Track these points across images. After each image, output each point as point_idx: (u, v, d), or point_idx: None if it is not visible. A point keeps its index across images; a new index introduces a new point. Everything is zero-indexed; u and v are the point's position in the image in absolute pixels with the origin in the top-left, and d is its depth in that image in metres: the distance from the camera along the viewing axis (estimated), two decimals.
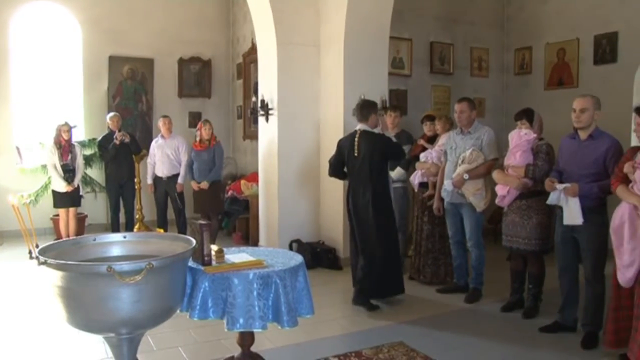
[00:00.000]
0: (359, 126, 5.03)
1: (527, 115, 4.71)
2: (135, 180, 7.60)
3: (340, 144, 5.17)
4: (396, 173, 6.03)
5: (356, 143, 4.96)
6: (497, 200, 4.74)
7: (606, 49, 7.04)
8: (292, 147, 6.57)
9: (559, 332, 4.33)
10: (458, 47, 8.08)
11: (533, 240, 4.57)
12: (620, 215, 3.61)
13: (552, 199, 4.11)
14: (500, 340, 4.24)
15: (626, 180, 3.63)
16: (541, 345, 4.15)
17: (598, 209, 4.03)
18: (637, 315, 3.48)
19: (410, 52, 7.62)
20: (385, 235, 4.95)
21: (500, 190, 4.66)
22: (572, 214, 3.98)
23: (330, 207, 6.56)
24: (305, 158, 6.67)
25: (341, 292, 5.48)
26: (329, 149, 6.45)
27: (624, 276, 3.57)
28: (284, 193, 6.55)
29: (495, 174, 4.72)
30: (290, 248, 6.37)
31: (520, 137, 4.61)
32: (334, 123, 6.44)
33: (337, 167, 5.22)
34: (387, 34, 6.50)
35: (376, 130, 5.03)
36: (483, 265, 5.18)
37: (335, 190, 6.39)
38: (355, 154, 4.96)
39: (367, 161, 4.88)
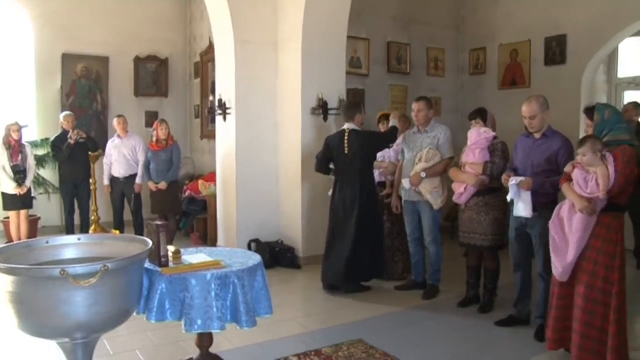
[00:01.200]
0: (346, 125, 5.32)
1: (480, 115, 4.84)
2: (91, 180, 7.43)
3: (329, 142, 5.40)
4: None
5: (346, 141, 5.22)
6: (454, 198, 4.82)
7: (556, 51, 7.25)
8: (250, 147, 6.54)
9: (513, 326, 4.45)
10: (415, 47, 8.18)
11: (489, 237, 4.67)
12: (561, 211, 3.72)
13: (510, 194, 4.21)
14: (457, 335, 4.33)
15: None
16: (497, 339, 4.26)
17: (549, 205, 4.13)
18: (576, 316, 3.57)
19: (368, 51, 7.68)
20: (374, 225, 5.26)
21: (457, 188, 4.75)
22: (524, 206, 4.10)
23: (290, 207, 6.56)
24: (263, 157, 6.65)
25: (301, 291, 5.49)
26: (288, 149, 6.48)
27: (558, 270, 3.67)
28: (242, 193, 6.52)
29: (452, 172, 4.81)
30: (249, 248, 6.34)
31: (479, 135, 4.71)
32: (292, 122, 6.44)
33: (324, 163, 5.45)
34: (345, 34, 6.53)
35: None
36: (440, 262, 5.27)
37: (294, 189, 6.40)
38: (346, 152, 5.22)
39: (358, 158, 5.17)
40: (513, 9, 7.77)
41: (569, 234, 3.63)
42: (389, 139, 5.42)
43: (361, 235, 5.18)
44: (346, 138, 5.24)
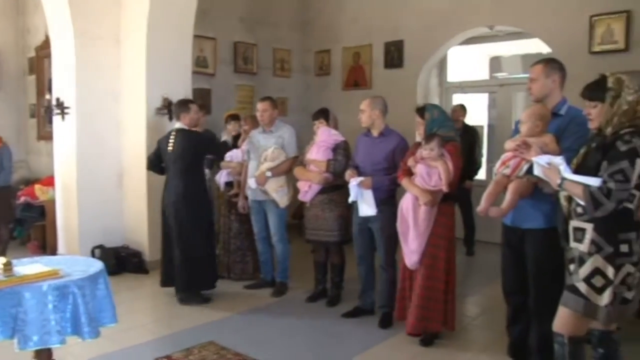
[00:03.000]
0: (175, 125, 5.19)
1: (324, 115, 5.04)
2: None
3: (159, 141, 5.25)
4: None
5: (171, 140, 5.07)
6: (299, 196, 4.96)
7: (394, 55, 7.71)
8: (91, 148, 6.19)
9: (359, 316, 4.69)
10: (261, 47, 8.26)
11: (334, 232, 4.86)
12: (405, 205, 4.03)
13: (352, 196, 4.43)
14: (307, 330, 4.46)
15: (411, 173, 4.05)
16: (344, 330, 4.46)
17: (389, 200, 4.45)
18: (417, 293, 3.97)
19: (215, 51, 7.64)
20: (200, 228, 5.06)
21: (302, 186, 4.89)
22: (367, 205, 4.35)
23: (134, 210, 6.33)
24: (106, 159, 6.33)
25: (149, 297, 5.34)
26: (132, 149, 6.25)
27: (410, 260, 4.00)
28: (83, 197, 6.17)
29: (297, 171, 4.95)
30: (93, 255, 6.03)
31: (329, 135, 4.88)
32: (136, 123, 6.21)
33: (154, 162, 5.30)
34: (191, 32, 6.42)
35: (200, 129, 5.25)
36: (288, 259, 5.38)
37: (138, 190, 6.19)
38: (170, 150, 5.05)
39: (180, 158, 4.99)
40: (356, 14, 8.13)
41: (414, 225, 3.95)
42: (214, 146, 5.42)
43: (185, 240, 5.00)
44: (172, 137, 5.10)
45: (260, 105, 5.25)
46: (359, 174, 4.44)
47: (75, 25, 6.03)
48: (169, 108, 6.11)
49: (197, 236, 5.05)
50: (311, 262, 5.25)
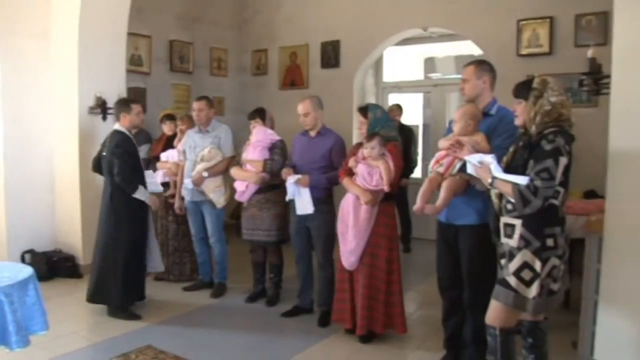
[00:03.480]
0: (115, 125, 4.85)
1: (260, 115, 5.03)
2: None
3: (104, 141, 4.92)
4: None
5: (106, 142, 4.79)
6: (236, 196, 4.93)
7: (331, 55, 7.78)
8: (20, 149, 5.90)
9: (299, 315, 4.71)
10: (198, 46, 8.16)
11: (272, 232, 4.86)
12: (345, 205, 4.08)
13: (289, 194, 4.44)
14: (246, 330, 4.45)
15: (352, 174, 4.09)
16: (284, 329, 4.48)
17: (326, 199, 4.50)
18: (361, 293, 4.00)
19: (150, 49, 7.48)
20: (126, 237, 4.68)
21: (239, 186, 4.87)
22: (304, 204, 4.38)
23: (67, 213, 6.11)
24: (36, 160, 6.06)
25: (83, 302, 5.16)
26: (64, 150, 6.05)
27: (348, 261, 4.04)
28: (11, 199, 5.88)
29: (234, 171, 4.91)
30: (23, 260, 5.80)
31: (265, 135, 4.87)
32: (67, 123, 6.00)
33: (96, 164, 4.95)
34: (125, 29, 6.26)
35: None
36: (226, 259, 5.35)
37: (71, 192, 5.98)
38: (103, 153, 4.77)
39: (107, 160, 4.69)
40: (293, 14, 8.14)
41: (354, 225, 3.97)
42: (115, 165, 4.60)
43: (109, 248, 4.68)
44: (107, 138, 4.81)
45: (196, 105, 5.19)
46: (296, 173, 4.45)
47: (1, 20, 5.76)
48: (103, 107, 5.94)
49: (123, 249, 4.65)
50: (249, 262, 5.24)
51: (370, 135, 4.01)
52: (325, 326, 4.47)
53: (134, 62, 7.23)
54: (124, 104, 4.87)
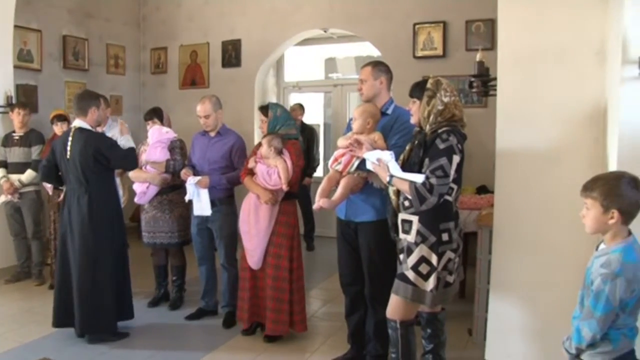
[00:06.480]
0: (76, 122, 4.14)
1: (156, 114, 4.92)
2: None
3: (54, 144, 4.28)
4: (27, 176, 5.52)
5: (69, 142, 4.05)
6: (136, 199, 4.78)
7: (232, 54, 7.72)
8: None
9: (203, 318, 4.66)
10: (93, 43, 7.81)
11: (174, 234, 4.79)
12: (247, 204, 4.08)
13: (188, 195, 4.37)
14: (149, 335, 4.34)
15: (253, 173, 4.08)
16: (188, 332, 4.41)
17: (227, 200, 4.49)
18: (268, 295, 4.02)
19: (40, 44, 7.06)
20: (112, 251, 4.16)
21: (139, 187, 4.73)
22: (202, 205, 4.34)
23: None
24: None
25: None
26: None
27: (252, 259, 4.04)
28: None
29: (133, 173, 4.75)
30: None
31: (161, 134, 4.76)
32: None
33: (49, 171, 4.26)
34: (11, 21, 5.93)
35: (103, 129, 4.69)
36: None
37: None
38: (67, 156, 4.05)
39: (79, 163, 4.01)
40: (193, 12, 8.00)
41: (255, 224, 3.98)
42: (114, 155, 4.12)
43: (93, 272, 4.05)
44: (70, 138, 4.07)
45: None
46: (196, 173, 4.41)
47: None
48: None
49: (109, 265, 4.12)
50: (151, 265, 5.12)
51: (268, 134, 4.03)
52: (230, 327, 4.45)
53: (23, 58, 6.80)
54: (93, 97, 4.20)
